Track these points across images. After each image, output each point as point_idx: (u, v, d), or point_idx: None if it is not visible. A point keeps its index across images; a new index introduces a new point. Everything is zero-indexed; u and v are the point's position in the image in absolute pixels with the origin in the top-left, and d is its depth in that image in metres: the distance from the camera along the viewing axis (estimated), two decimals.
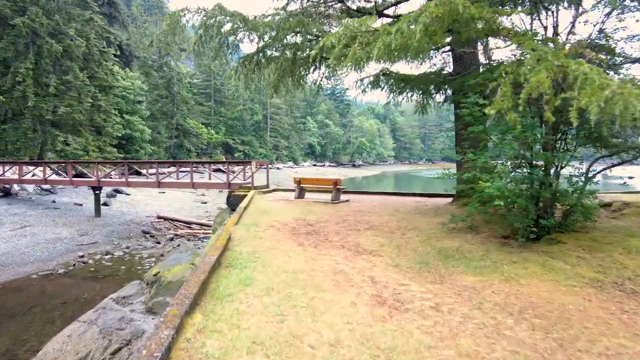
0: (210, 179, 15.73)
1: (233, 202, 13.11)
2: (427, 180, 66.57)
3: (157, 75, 54.29)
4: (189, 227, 18.21)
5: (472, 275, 4.62)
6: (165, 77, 55.72)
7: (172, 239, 15.45)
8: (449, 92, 11.47)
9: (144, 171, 43.63)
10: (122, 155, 33.99)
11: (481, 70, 9.47)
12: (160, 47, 48.84)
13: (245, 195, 12.47)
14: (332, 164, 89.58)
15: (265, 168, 15.20)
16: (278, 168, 65.10)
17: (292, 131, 77.59)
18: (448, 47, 10.03)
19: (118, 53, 49.10)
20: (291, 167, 70.01)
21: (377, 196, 13.42)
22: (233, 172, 14.62)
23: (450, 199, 11.25)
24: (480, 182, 5.56)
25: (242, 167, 14.48)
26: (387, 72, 13.02)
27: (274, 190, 15.35)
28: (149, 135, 43.27)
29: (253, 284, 4.35)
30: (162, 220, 18.28)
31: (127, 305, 7.33)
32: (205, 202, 23.84)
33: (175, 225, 17.98)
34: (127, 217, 17.99)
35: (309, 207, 10.12)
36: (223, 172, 14.04)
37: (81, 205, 18.81)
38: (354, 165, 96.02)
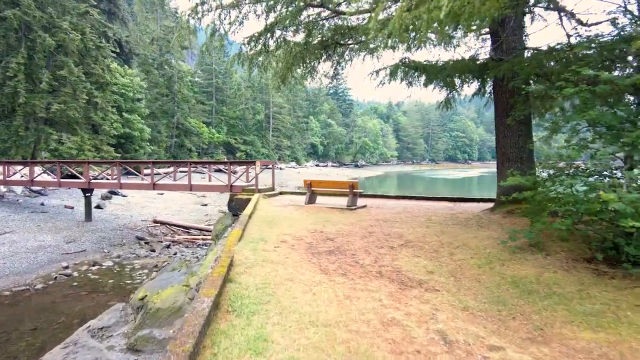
0: (210, 180, 14.37)
1: (235, 207, 11.79)
2: (431, 181, 65.17)
3: (157, 73, 52.99)
4: (188, 232, 16.88)
5: (587, 330, 3.23)
6: (166, 75, 54.42)
7: (168, 246, 14.09)
8: (481, 81, 10.10)
9: (145, 171, 42.41)
10: (120, 155, 32.67)
11: (527, 55, 8.08)
12: (161, 45, 47.15)
13: (248, 200, 11.14)
14: (334, 164, 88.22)
15: (270, 168, 13.83)
16: (280, 168, 63.76)
17: (294, 131, 76.28)
18: (486, 30, 8.64)
19: (117, 50, 47.89)
20: (294, 168, 68.68)
21: (397, 200, 12.04)
22: (235, 173, 13.25)
23: (484, 205, 9.87)
24: (602, 193, 4.09)
25: (245, 167, 13.10)
26: (407, 62, 11.67)
27: (281, 193, 14.00)
28: (148, 135, 41.97)
29: (267, 351, 2.99)
30: (159, 224, 16.92)
31: (105, 339, 5.95)
32: (206, 205, 22.50)
33: (172, 230, 16.63)
34: (121, 221, 16.64)
35: (324, 215, 8.76)
36: (225, 172, 12.67)
37: (72, 208, 17.47)
38: (356, 166, 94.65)
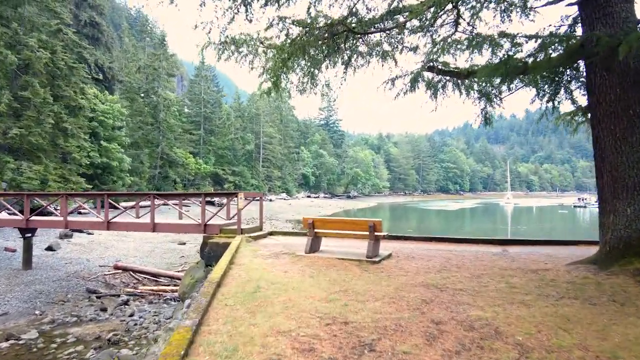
0: (181, 218, 11.45)
1: (209, 254, 8.92)
2: (427, 212, 62.61)
3: (142, 101, 50.62)
4: (156, 280, 13.79)
5: None
6: (152, 103, 52.08)
7: (126, 302, 10.98)
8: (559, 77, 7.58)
9: (124, 204, 39.23)
10: (91, 187, 29.54)
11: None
12: (148, 73, 44.88)
13: (227, 245, 8.29)
14: (326, 195, 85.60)
15: (258, 200, 11.01)
16: (271, 200, 60.79)
17: (285, 161, 73.86)
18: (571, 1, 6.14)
19: (99, 76, 45.57)
20: (285, 199, 65.79)
21: (424, 244, 9.22)
22: (220, 204, 10.34)
23: (552, 250, 7.11)
24: None
25: (225, 200, 10.27)
26: (434, 66, 9.18)
27: (270, 233, 11.11)
28: (128, 165, 38.97)
29: None
30: (120, 271, 13.79)
31: None
32: (184, 243, 19.40)
33: (136, 278, 13.51)
34: (73, 267, 13.49)
35: (338, 276, 5.93)
36: (213, 204, 9.81)
37: (14, 251, 14.30)
38: (348, 197, 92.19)
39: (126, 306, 10.80)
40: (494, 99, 9.99)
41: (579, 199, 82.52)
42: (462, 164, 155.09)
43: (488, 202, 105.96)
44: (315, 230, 7.60)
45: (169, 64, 57.37)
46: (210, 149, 63.39)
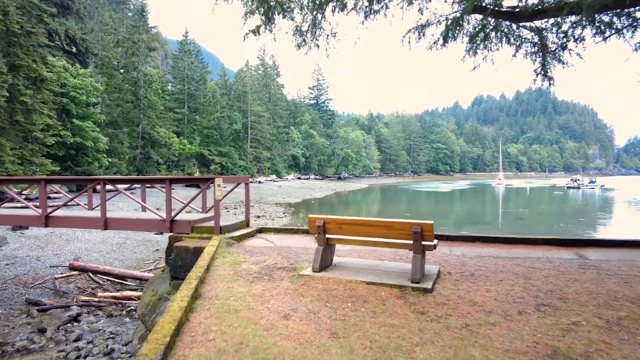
0: (144, 211, 8.96)
1: (176, 263, 6.55)
2: (421, 194, 60.74)
3: (121, 77, 47.14)
4: (122, 282, 11.41)
5: None
6: (131, 79, 48.61)
7: (76, 318, 8.59)
8: None
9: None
10: (58, 169, 26.64)
11: None
12: (127, 47, 41.29)
13: (198, 250, 5.94)
14: (317, 177, 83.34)
15: (245, 185, 8.58)
16: (260, 182, 58.28)
17: (274, 141, 71.00)
18: None
19: (72, 49, 41.92)
20: (274, 181, 63.32)
21: (467, 246, 6.93)
22: (207, 185, 7.86)
23: None
24: None
25: (200, 186, 7.82)
26: (486, 6, 6.83)
27: (260, 230, 8.71)
28: (105, 145, 35.94)
29: None
30: (77, 273, 11.33)
31: None
32: (162, 233, 16.91)
33: (97, 281, 11.09)
34: (14, 270, 10.96)
35: (382, 333, 3.53)
36: (199, 187, 7.37)
37: None
38: (339, 178, 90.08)
39: (75, 324, 8.40)
40: (559, 52, 7.56)
41: (572, 179, 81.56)
42: (453, 144, 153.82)
43: (479, 183, 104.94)
44: (328, 236, 5.20)
45: (149, 37, 53.62)
46: (195, 128, 60.24)
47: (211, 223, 7.46)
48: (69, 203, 8.71)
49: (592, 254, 6.41)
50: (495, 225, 26.00)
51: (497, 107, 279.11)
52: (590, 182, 76.81)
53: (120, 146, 42.59)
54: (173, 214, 7.60)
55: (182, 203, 8.16)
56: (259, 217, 27.01)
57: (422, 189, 73.61)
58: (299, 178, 75.23)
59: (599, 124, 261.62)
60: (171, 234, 7.64)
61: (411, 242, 4.73)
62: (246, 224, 8.48)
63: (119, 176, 21.52)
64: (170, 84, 64.81)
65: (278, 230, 8.72)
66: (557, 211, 36.58)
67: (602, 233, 22.53)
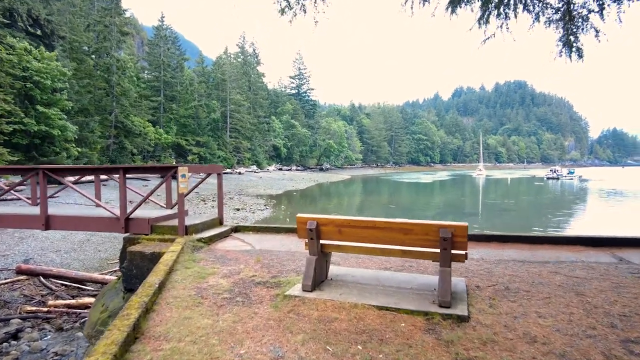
0: (101, 198, 7.52)
1: (129, 272, 5.31)
2: (403, 185, 60.12)
3: (91, 63, 44.62)
4: (81, 287, 10.02)
5: None
6: (104, 65, 46.10)
7: (15, 335, 7.20)
8: None
9: (70, 179, 35.08)
10: (18, 159, 24.62)
11: None
12: (99, 31, 38.73)
13: (156, 256, 4.66)
14: (299, 168, 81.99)
15: (217, 175, 7.27)
16: (240, 173, 56.57)
17: (255, 131, 69.16)
18: None
19: (36, 31, 39.24)
20: (255, 172, 61.68)
21: (486, 247, 5.84)
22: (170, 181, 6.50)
23: None
24: None
25: (163, 176, 6.47)
26: None
27: (235, 229, 7.43)
28: (72, 133, 33.76)
29: None
30: (26, 277, 9.85)
31: None
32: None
33: (49, 287, 9.64)
34: None
35: None
36: (148, 180, 6.03)
37: None
38: (321, 169, 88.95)
39: (12, 342, 6.99)
40: (584, 21, 6.47)
41: (551, 170, 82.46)
42: (433, 135, 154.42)
43: (460, 174, 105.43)
44: (323, 242, 3.98)
45: (122, 21, 50.90)
46: (172, 117, 58.01)
47: (176, 221, 6.13)
48: (7, 197, 7.23)
49: (634, 257, 5.39)
50: (483, 217, 25.30)
51: (476, 99, 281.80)
52: (569, 173, 77.79)
53: (92, 135, 40.39)
54: (129, 211, 6.24)
55: (152, 201, 6.81)
56: (238, 209, 25.60)
57: (404, 180, 73.20)
58: (281, 169, 73.73)
59: (575, 116, 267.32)
60: (126, 234, 6.30)
61: (437, 250, 3.56)
62: (219, 221, 7.20)
63: (64, 165, 19.69)
64: (145, 71, 62.16)
65: (257, 230, 7.44)
66: (541, 202, 36.30)
67: (595, 225, 22.01)
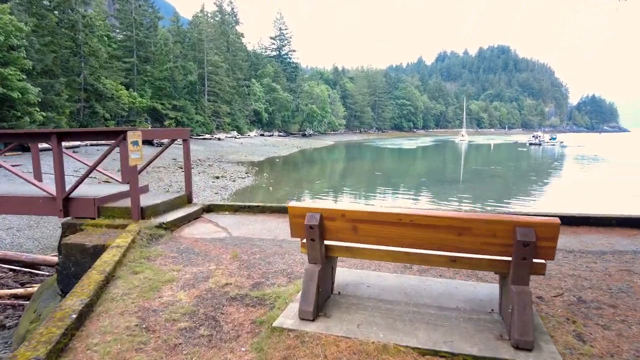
0: (41, 180, 6.04)
1: (65, 268, 3.86)
2: (387, 151, 59.17)
3: (54, 18, 40.96)
4: (33, 271, 8.67)
5: None
6: (68, 21, 42.47)
7: None
8: None
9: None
10: None
11: None
12: None
13: (100, 250, 3.24)
14: (281, 134, 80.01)
15: (183, 142, 5.84)
16: (219, 139, 54.48)
17: (234, 95, 66.37)
18: None
19: None
20: (235, 138, 59.62)
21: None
22: (160, 143, 5.00)
23: None
24: None
25: (111, 143, 4.98)
26: None
27: (208, 209, 6.12)
28: (36, 96, 31.15)
29: None
30: None
31: None
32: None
33: None
34: None
35: None
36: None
37: None
38: (304, 135, 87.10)
39: None
40: None
41: (533, 136, 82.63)
42: (417, 101, 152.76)
43: (442, 140, 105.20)
44: (329, 243, 2.69)
45: None
46: (146, 79, 54.80)
47: (128, 201, 4.75)
48: None
49: None
50: (474, 184, 24.47)
51: (460, 64, 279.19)
52: (550, 139, 78.12)
53: (58, 99, 37.58)
54: (68, 188, 4.81)
55: (103, 174, 5.37)
56: (217, 177, 24.11)
57: (387, 146, 72.30)
58: (262, 135, 71.65)
59: (556, 82, 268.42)
60: (66, 219, 4.90)
61: (508, 258, 2.33)
62: (187, 199, 5.82)
63: None
64: (116, 30, 58.06)
65: (235, 209, 6.11)
66: (528, 167, 35.83)
67: (587, 191, 21.38)
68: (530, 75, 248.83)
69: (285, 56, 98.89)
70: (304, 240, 2.76)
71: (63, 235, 4.81)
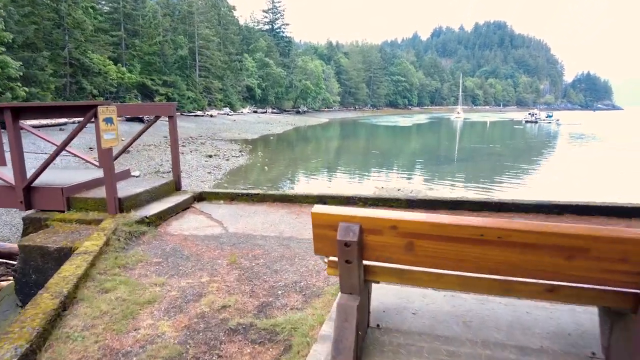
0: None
1: (26, 275, 2.97)
2: (379, 129, 58.21)
3: None
4: (10, 261, 7.81)
5: None
6: None
7: None
8: None
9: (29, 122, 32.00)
10: None
11: None
12: None
13: (65, 255, 2.41)
14: (275, 111, 78.37)
15: (169, 119, 4.95)
16: (211, 115, 53.07)
17: (226, 70, 64.50)
18: None
19: None
20: (228, 114, 58.16)
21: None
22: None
23: None
24: None
25: (82, 120, 4.12)
26: None
27: (200, 197, 5.30)
28: (16, 70, 29.66)
29: None
30: None
31: None
32: (137, 175, 12.94)
33: None
34: None
35: None
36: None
37: None
38: (298, 112, 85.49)
39: None
40: None
41: (529, 114, 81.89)
42: (412, 77, 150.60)
43: (438, 117, 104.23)
44: (369, 263, 1.91)
45: None
46: (135, 54, 52.84)
47: (101, 191, 3.93)
48: None
49: None
50: (474, 162, 23.81)
51: (455, 40, 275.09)
52: (547, 117, 77.45)
53: (42, 73, 35.97)
54: (30, 175, 3.97)
55: (79, 158, 4.53)
56: (210, 156, 23.17)
57: (382, 123, 71.28)
58: (255, 112, 70.08)
59: (552, 59, 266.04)
60: (28, 212, 4.07)
61: (636, 291, 1.59)
62: (174, 186, 5.00)
63: None
64: (102, 2, 55.65)
65: (231, 197, 5.29)
66: (528, 146, 35.21)
67: (589, 170, 20.77)
68: (526, 51, 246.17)
69: (278, 30, 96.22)
70: (331, 259, 1.98)
71: (24, 233, 4.00)
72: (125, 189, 4.44)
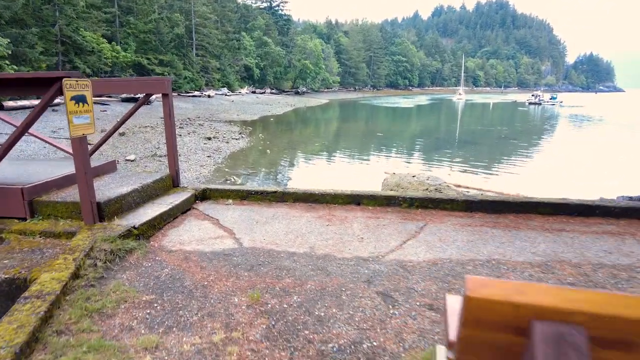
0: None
1: None
2: (380, 110, 56.83)
3: None
4: None
5: None
6: None
7: None
8: None
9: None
10: None
11: None
12: None
13: (23, 286, 1.69)
14: (273, 91, 76.69)
15: (163, 97, 3.86)
16: (209, 96, 51.57)
17: (224, 49, 62.61)
18: None
19: None
20: (226, 95, 56.61)
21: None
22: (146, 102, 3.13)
23: None
24: None
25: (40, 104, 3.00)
26: None
27: (203, 195, 4.24)
28: (5, 48, 28.24)
29: None
30: None
31: None
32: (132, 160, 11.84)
33: None
34: None
35: None
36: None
37: None
38: (297, 93, 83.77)
39: None
40: None
41: (533, 95, 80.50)
42: (413, 57, 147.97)
43: (439, 98, 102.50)
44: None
45: None
46: (130, 32, 50.99)
47: (72, 191, 2.91)
48: None
49: None
50: (487, 146, 22.77)
51: (457, 19, 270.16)
52: (551, 99, 76.08)
53: (32, 51, 34.43)
54: None
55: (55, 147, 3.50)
56: (209, 139, 22.03)
57: (384, 105, 69.76)
58: (254, 92, 68.42)
59: (554, 40, 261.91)
60: None
61: None
62: (171, 181, 3.98)
63: None
64: None
65: (242, 196, 4.28)
66: (537, 129, 34.11)
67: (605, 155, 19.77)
68: (528, 32, 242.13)
69: (277, 8, 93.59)
70: (458, 328, 1.01)
71: None
72: (108, 188, 3.43)
